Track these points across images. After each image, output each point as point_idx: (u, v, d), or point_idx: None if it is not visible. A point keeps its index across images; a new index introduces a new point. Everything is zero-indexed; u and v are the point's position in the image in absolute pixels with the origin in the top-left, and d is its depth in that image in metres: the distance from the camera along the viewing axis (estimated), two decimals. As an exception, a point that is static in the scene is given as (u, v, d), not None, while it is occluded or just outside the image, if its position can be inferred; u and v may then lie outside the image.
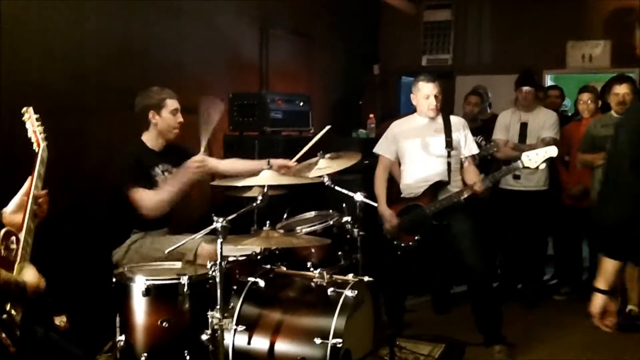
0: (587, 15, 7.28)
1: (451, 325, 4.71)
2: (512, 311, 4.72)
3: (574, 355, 4.26)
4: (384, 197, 4.27)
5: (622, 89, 4.66)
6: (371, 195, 3.98)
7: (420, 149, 4.19)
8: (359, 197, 3.67)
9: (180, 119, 3.61)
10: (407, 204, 4.20)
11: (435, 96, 4.12)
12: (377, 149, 4.43)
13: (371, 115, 6.28)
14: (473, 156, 4.29)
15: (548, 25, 7.33)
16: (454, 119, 4.27)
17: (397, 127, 4.37)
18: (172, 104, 3.58)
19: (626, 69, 6.98)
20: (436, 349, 4.14)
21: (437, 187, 4.13)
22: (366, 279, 3.28)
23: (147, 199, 3.36)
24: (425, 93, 4.12)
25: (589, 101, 5.31)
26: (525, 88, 5.24)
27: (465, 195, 4.03)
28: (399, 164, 4.41)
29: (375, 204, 3.84)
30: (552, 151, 3.95)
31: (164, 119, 3.55)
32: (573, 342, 4.47)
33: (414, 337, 4.26)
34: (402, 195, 4.30)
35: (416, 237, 4.13)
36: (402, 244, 4.18)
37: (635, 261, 4.66)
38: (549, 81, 7.41)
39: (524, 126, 5.30)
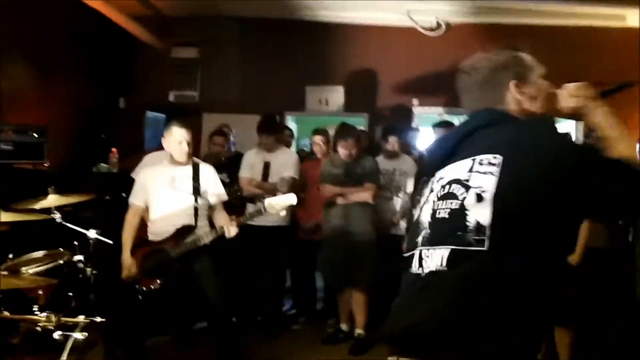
0: (325, 62, 7.90)
1: (192, 361, 4.70)
2: (252, 342, 4.86)
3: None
4: (129, 245, 4.16)
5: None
6: (110, 232, 3.86)
7: (168, 194, 4.19)
8: (92, 234, 3.56)
9: None
10: (152, 248, 4.15)
11: (188, 142, 4.17)
12: (130, 198, 4.32)
13: (113, 150, 6.13)
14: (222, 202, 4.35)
15: (289, 70, 7.80)
16: (203, 166, 4.34)
17: (147, 174, 4.34)
18: None
19: (357, 113, 7.72)
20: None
21: (183, 231, 4.14)
22: (98, 319, 3.18)
23: None
24: (177, 139, 4.15)
25: (321, 142, 5.74)
26: (264, 135, 5.52)
27: (212, 238, 4.10)
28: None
29: (109, 242, 3.72)
30: (292, 199, 4.23)
31: None
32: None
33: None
34: (149, 239, 4.23)
35: (158, 281, 4.09)
36: (144, 288, 4.10)
37: (360, 287, 5.12)
38: (289, 122, 7.86)
39: (267, 165, 5.56)
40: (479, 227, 1.66)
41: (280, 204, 4.18)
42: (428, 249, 1.76)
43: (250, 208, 5.42)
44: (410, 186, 5.26)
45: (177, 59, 7.96)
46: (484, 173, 1.72)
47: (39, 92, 6.28)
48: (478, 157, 1.76)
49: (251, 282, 5.59)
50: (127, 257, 4.12)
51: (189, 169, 4.24)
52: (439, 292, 1.68)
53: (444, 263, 1.69)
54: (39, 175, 4.97)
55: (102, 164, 6.06)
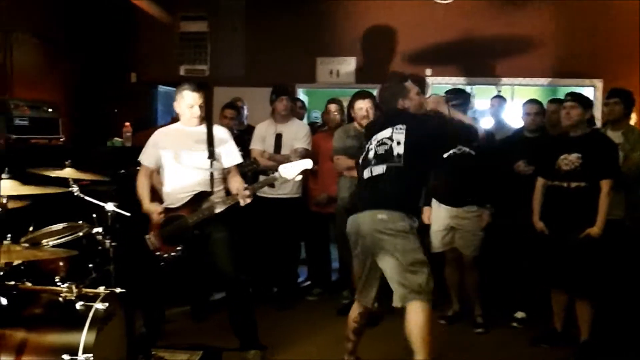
0: (336, 34, 7.86)
1: (209, 332, 4.75)
2: (268, 314, 4.91)
3: (327, 352, 4.50)
4: (147, 197, 4.15)
5: (365, 104, 5.07)
6: (127, 204, 3.88)
7: (183, 158, 4.15)
8: (110, 207, 3.58)
9: None
10: (169, 214, 4.12)
11: (200, 106, 4.13)
12: (140, 157, 4.31)
13: (127, 124, 6.14)
14: (236, 165, 4.33)
15: (299, 42, 7.79)
16: (217, 129, 4.28)
17: (160, 135, 4.29)
18: None
19: (369, 84, 7.67)
20: (194, 356, 4.16)
21: (200, 197, 4.11)
22: (118, 290, 3.22)
23: None
24: (189, 102, 4.11)
25: (336, 112, 5.72)
26: (284, 98, 5.52)
27: (227, 206, 4.09)
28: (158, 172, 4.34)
29: (127, 214, 3.74)
30: (307, 164, 4.18)
31: None
32: (325, 339, 4.74)
33: (171, 346, 4.23)
34: (163, 205, 4.19)
35: (178, 248, 4.08)
36: (165, 255, 4.09)
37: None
38: (300, 95, 7.85)
39: (279, 137, 5.54)
40: (398, 155, 3.69)
41: (295, 168, 4.14)
42: (375, 166, 3.76)
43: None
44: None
45: (186, 32, 7.96)
46: (399, 133, 3.75)
47: (50, 68, 6.31)
48: (395, 126, 3.77)
49: (266, 254, 5.62)
50: (149, 205, 4.12)
51: (202, 133, 4.20)
52: (381, 184, 3.74)
53: (385, 171, 3.72)
54: (56, 150, 5.01)
55: (117, 139, 6.09)
